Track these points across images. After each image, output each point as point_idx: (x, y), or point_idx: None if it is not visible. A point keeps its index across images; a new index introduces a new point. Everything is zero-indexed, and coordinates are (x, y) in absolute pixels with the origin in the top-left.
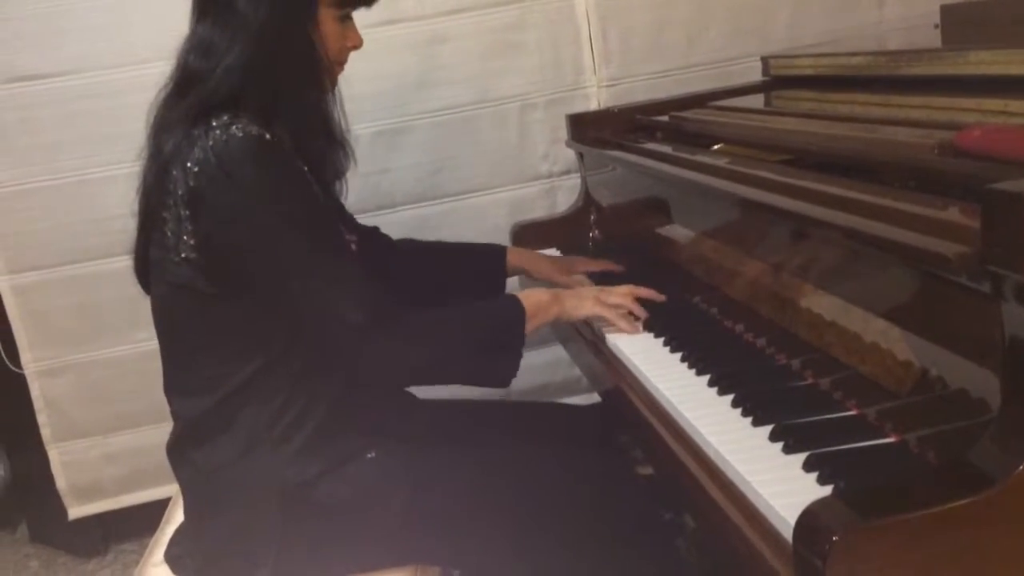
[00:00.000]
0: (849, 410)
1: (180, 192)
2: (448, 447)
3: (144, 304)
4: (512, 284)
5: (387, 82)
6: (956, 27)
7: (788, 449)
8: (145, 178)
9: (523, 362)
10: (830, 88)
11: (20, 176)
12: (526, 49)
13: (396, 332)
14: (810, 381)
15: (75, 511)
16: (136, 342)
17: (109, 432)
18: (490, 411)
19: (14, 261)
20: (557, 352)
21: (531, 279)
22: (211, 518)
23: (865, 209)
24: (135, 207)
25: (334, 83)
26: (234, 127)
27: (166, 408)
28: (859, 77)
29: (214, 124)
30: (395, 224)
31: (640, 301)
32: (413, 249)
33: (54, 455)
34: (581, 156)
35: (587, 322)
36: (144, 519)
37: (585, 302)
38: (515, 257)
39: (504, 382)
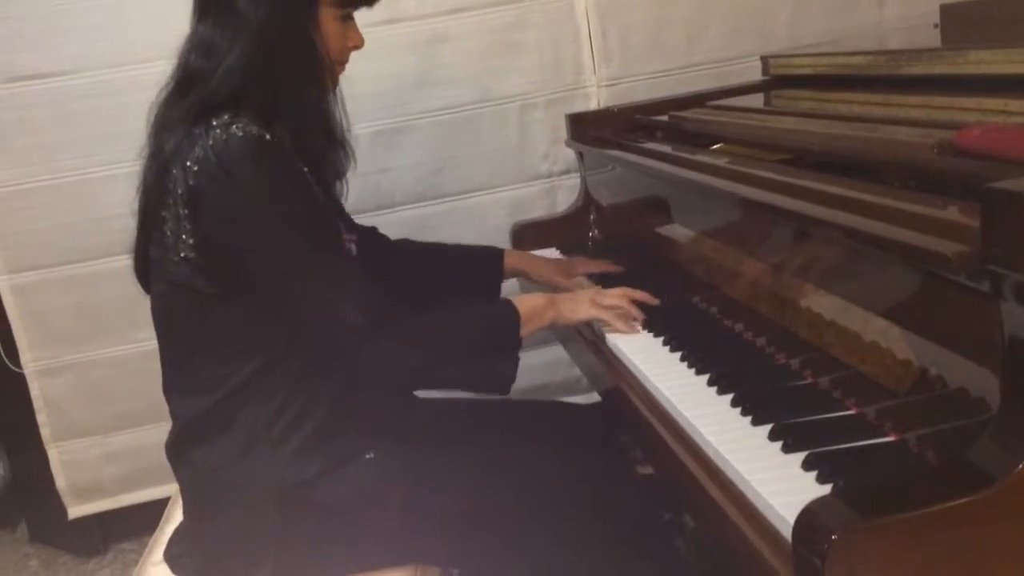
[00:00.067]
0: (848, 409)
1: (180, 191)
2: (447, 447)
3: (144, 303)
4: (511, 287)
5: (387, 81)
6: (956, 26)
7: (787, 448)
8: (145, 177)
9: (523, 362)
10: (830, 88)
11: (20, 176)
12: (526, 49)
13: (394, 333)
14: (809, 380)
15: (75, 510)
16: (136, 342)
17: (109, 431)
18: (489, 410)
19: (14, 261)
20: (557, 352)
21: (530, 281)
22: (210, 518)
23: (865, 208)
24: (135, 206)
25: (335, 83)
26: (234, 126)
27: (166, 407)
28: (859, 77)
29: (214, 123)
30: (395, 224)
31: (637, 303)
32: (410, 250)
33: (54, 454)
34: (581, 156)
35: (588, 324)
36: (144, 518)
37: (581, 305)
38: (513, 259)
39: (503, 387)
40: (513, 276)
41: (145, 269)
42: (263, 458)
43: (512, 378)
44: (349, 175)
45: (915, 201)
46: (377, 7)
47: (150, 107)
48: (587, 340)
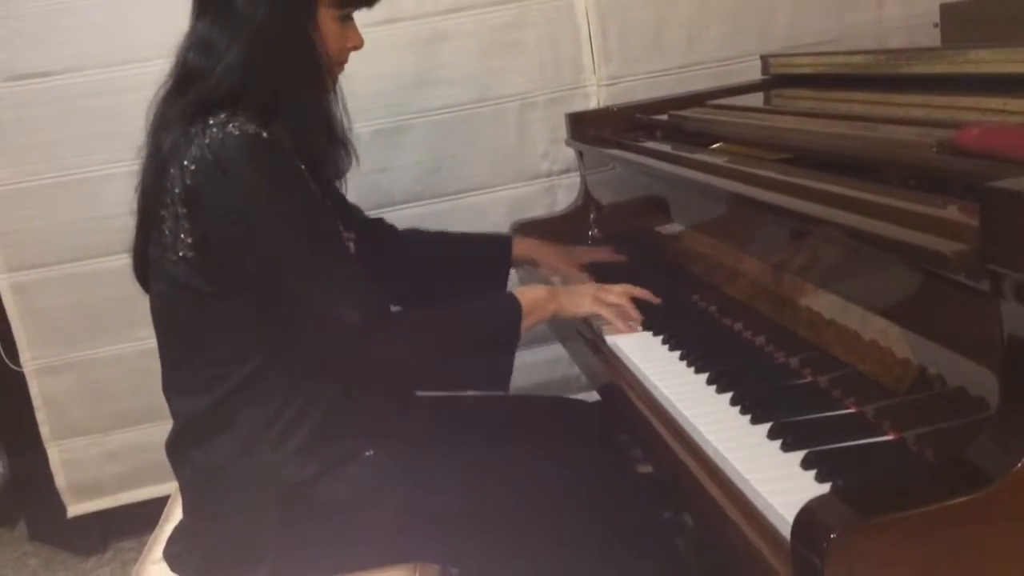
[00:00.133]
0: (848, 408)
1: (177, 190)
2: (446, 446)
3: (143, 302)
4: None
5: (386, 80)
6: (955, 26)
7: (787, 447)
8: (143, 176)
9: (522, 360)
10: (830, 87)
11: (19, 174)
12: (526, 48)
13: (393, 333)
14: (809, 379)
15: (74, 509)
16: (135, 340)
17: (108, 430)
18: (488, 409)
19: (13, 259)
20: (556, 350)
21: (537, 269)
22: (210, 516)
23: (864, 207)
24: (134, 205)
25: (334, 82)
26: (231, 125)
27: (164, 406)
28: (859, 76)
29: (212, 122)
30: (394, 222)
31: (637, 301)
32: (418, 239)
33: (53, 453)
34: (581, 155)
35: (586, 320)
36: (143, 517)
37: (582, 300)
38: (521, 247)
39: (502, 383)
40: (520, 264)
41: (144, 269)
42: (263, 457)
43: (510, 371)
44: (350, 174)
45: (915, 200)
46: (376, 7)
47: (149, 106)
48: (586, 339)
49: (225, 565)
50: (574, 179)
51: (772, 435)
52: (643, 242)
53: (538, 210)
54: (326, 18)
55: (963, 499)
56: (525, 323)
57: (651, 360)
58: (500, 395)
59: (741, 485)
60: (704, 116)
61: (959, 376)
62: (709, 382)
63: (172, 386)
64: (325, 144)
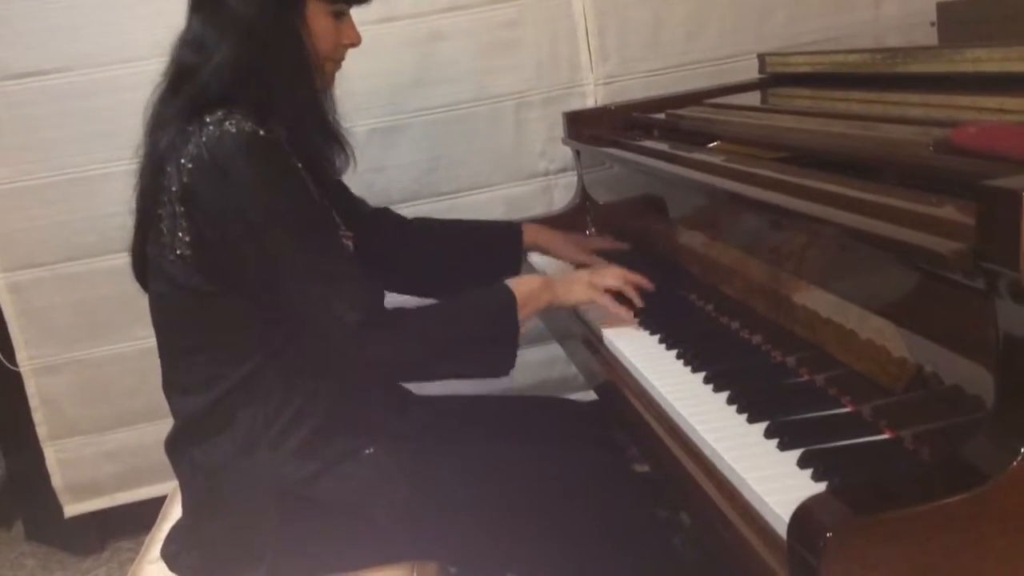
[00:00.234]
0: (844, 407)
1: (174, 189)
2: (445, 444)
3: (140, 302)
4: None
5: (383, 79)
6: (952, 25)
7: (783, 446)
8: (141, 175)
9: (520, 359)
10: (827, 86)
11: (16, 173)
12: (523, 46)
13: (389, 330)
14: (805, 378)
15: (71, 509)
16: (132, 340)
17: (105, 430)
18: (487, 407)
19: (10, 258)
20: (554, 349)
21: (547, 255)
22: (209, 515)
23: (861, 206)
24: (132, 204)
25: (330, 80)
26: (228, 123)
27: (162, 406)
28: (856, 75)
29: (208, 120)
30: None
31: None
32: (428, 227)
33: (50, 453)
34: (578, 154)
35: (585, 321)
36: (140, 517)
37: (577, 287)
38: (532, 234)
39: (502, 371)
40: (531, 251)
41: (143, 268)
42: (262, 456)
43: (511, 363)
44: (347, 173)
45: (911, 199)
46: (373, 5)
47: (146, 104)
48: (583, 338)
49: (224, 564)
50: (571, 178)
51: (769, 434)
52: (640, 241)
53: (535, 209)
54: (317, 13)
55: (959, 498)
56: (521, 314)
57: (648, 359)
58: (498, 394)
59: (738, 484)
60: (701, 115)
61: (955, 375)
62: (706, 381)
63: (172, 385)
64: (321, 141)
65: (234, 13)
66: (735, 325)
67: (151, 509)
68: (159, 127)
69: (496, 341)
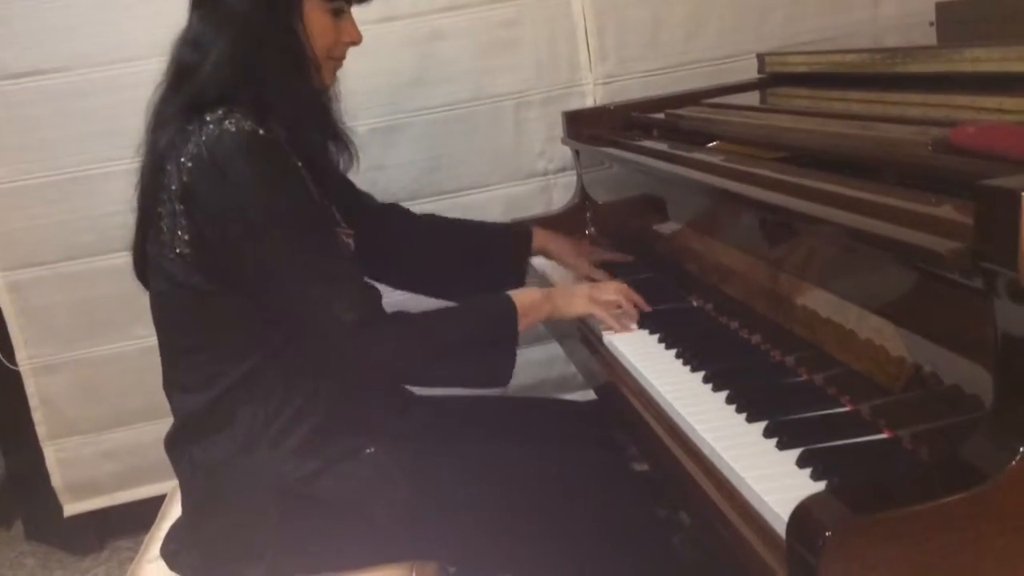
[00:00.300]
0: (843, 406)
1: (174, 187)
2: (445, 444)
3: (139, 301)
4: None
5: (383, 78)
6: (951, 24)
7: (782, 445)
8: (142, 174)
9: (519, 359)
10: (825, 85)
11: (16, 173)
12: (522, 46)
13: (387, 332)
14: (804, 377)
15: (70, 508)
16: (132, 339)
17: (104, 429)
18: (486, 407)
19: (10, 257)
20: (553, 349)
21: (551, 260)
22: (209, 514)
23: (860, 206)
24: (133, 203)
25: (329, 78)
26: (227, 122)
27: (162, 405)
28: (855, 75)
29: (207, 119)
30: None
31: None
32: (435, 224)
33: (49, 452)
34: (577, 153)
35: (584, 321)
36: (140, 516)
37: (577, 300)
38: (540, 238)
39: (501, 380)
40: (538, 254)
41: (144, 266)
42: (262, 455)
43: (510, 372)
44: (350, 171)
45: (910, 198)
46: (373, 4)
47: (148, 103)
48: (583, 337)
49: (223, 562)
50: (570, 178)
51: (768, 433)
52: (639, 241)
53: (534, 209)
54: (315, 11)
55: (958, 497)
56: (521, 323)
57: (647, 359)
58: (498, 394)
59: (737, 483)
60: (700, 115)
61: (954, 374)
62: (705, 380)
63: (172, 383)
64: (321, 140)
65: (229, 10)
66: (734, 325)
67: (151, 508)
68: (160, 126)
69: (493, 349)
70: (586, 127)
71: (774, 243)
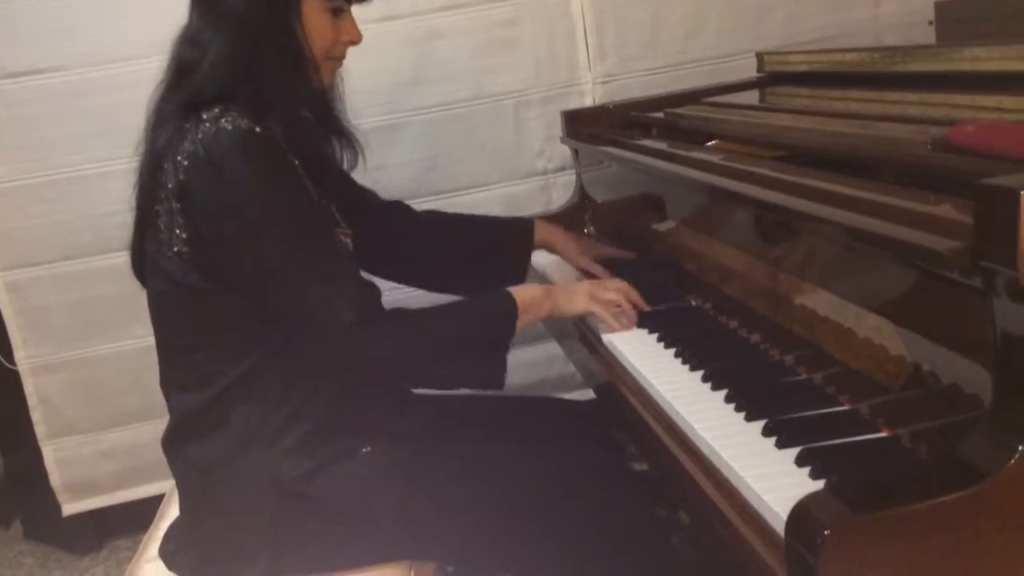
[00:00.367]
0: (842, 405)
1: (171, 186)
2: (443, 443)
3: (138, 301)
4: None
5: (382, 78)
6: (950, 24)
7: (781, 444)
8: (141, 172)
9: (518, 358)
10: (825, 84)
11: (14, 172)
12: (521, 45)
13: (386, 330)
14: (803, 376)
15: (69, 508)
16: (130, 338)
17: (103, 429)
18: (485, 406)
19: (8, 257)
20: (552, 348)
21: (553, 254)
22: (206, 513)
23: (859, 205)
24: (132, 202)
25: (328, 78)
26: (224, 120)
27: (160, 404)
28: (854, 73)
29: (204, 117)
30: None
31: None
32: (437, 220)
33: (48, 452)
34: (576, 153)
35: (582, 319)
36: (138, 515)
37: (577, 298)
38: (542, 231)
39: (497, 382)
40: (540, 248)
41: (142, 265)
42: (259, 454)
43: (504, 370)
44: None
45: (909, 197)
46: (373, 3)
47: (148, 101)
48: (582, 336)
49: (221, 562)
50: (569, 177)
51: (766, 432)
52: (638, 240)
53: (534, 208)
54: (314, 10)
55: (957, 496)
56: (520, 322)
57: (646, 358)
58: (497, 394)
59: (736, 482)
60: (699, 114)
61: (953, 373)
62: (704, 379)
63: (169, 382)
64: (320, 139)
65: (228, 8)
66: (733, 324)
67: (149, 508)
68: (159, 124)
69: (492, 347)
70: (585, 126)
71: (773, 242)
